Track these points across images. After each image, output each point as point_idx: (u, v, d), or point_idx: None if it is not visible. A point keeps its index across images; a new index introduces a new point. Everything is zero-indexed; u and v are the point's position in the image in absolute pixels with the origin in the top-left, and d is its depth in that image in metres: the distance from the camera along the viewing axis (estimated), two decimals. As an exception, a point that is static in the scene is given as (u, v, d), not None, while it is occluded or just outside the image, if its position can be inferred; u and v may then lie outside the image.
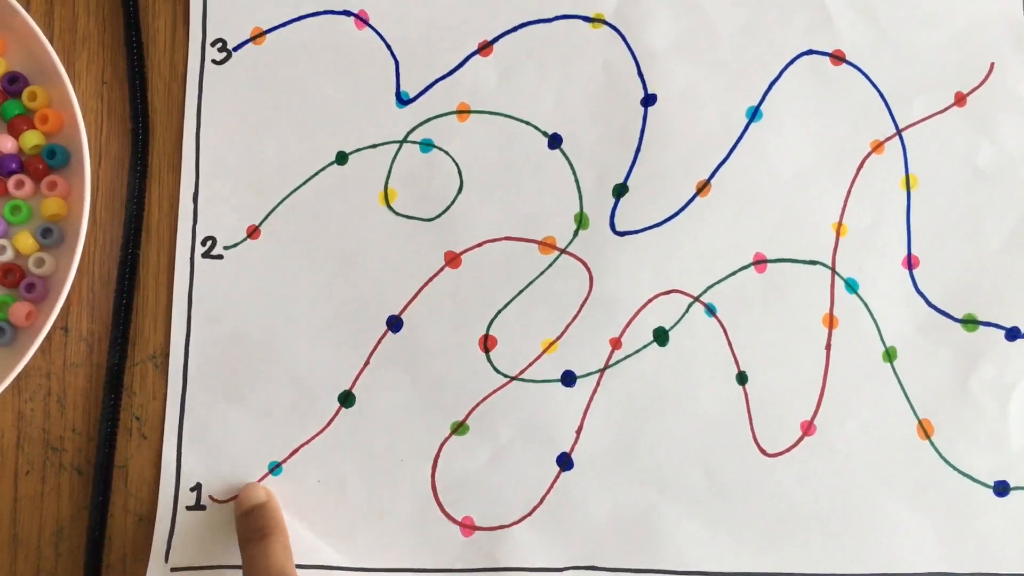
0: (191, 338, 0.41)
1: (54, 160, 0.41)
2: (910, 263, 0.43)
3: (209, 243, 0.42)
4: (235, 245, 0.42)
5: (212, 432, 0.41)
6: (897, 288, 0.43)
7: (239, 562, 0.39)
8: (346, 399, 0.42)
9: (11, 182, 0.41)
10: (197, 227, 0.42)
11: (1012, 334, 0.43)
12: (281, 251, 0.42)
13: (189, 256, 0.42)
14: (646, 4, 0.44)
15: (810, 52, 0.44)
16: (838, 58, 0.44)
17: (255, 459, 0.41)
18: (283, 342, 0.41)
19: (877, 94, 0.44)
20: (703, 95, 0.44)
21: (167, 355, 0.41)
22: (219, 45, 0.43)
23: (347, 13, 0.44)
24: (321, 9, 0.43)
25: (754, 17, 0.44)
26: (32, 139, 0.41)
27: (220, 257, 0.42)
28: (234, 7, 0.43)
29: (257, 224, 0.42)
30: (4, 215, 0.40)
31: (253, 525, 0.38)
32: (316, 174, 0.43)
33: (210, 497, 0.40)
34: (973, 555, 0.41)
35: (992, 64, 0.44)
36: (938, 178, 0.44)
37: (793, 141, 0.44)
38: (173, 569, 0.39)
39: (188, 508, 0.40)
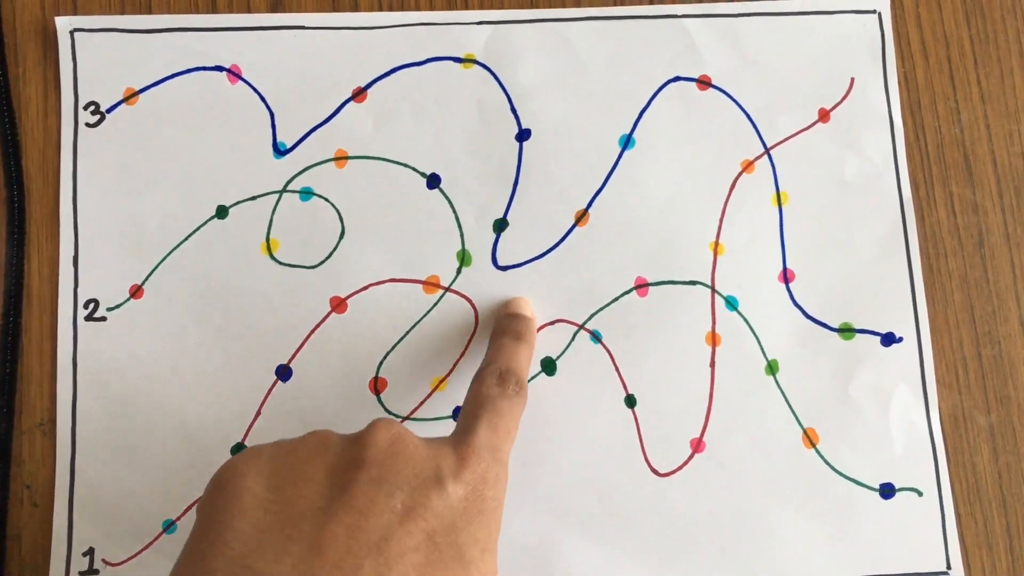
0: (77, 402, 0.41)
1: (-72, 234, 0.41)
2: (786, 277, 0.44)
3: (92, 306, 0.42)
4: (118, 306, 0.41)
5: (104, 495, 0.40)
6: (775, 302, 0.44)
7: (136, 624, 0.39)
8: (238, 451, 0.42)
9: None
10: (79, 290, 0.41)
11: (887, 340, 0.44)
12: (165, 309, 0.41)
13: (72, 320, 0.41)
14: (515, 42, 0.45)
15: (677, 79, 0.45)
16: (704, 83, 0.45)
17: (149, 519, 0.40)
18: (173, 399, 0.41)
19: (744, 115, 0.45)
20: (576, 127, 0.44)
21: (54, 421, 0.40)
22: (92, 108, 0.43)
23: (219, 68, 0.44)
24: (193, 66, 0.44)
25: (621, 48, 0.44)
26: (-96, 214, 0.41)
27: (103, 319, 0.42)
28: (105, 70, 0.43)
29: (140, 284, 0.42)
30: None
31: (514, 326, 0.39)
32: (197, 229, 0.43)
33: (103, 560, 0.39)
34: (862, 558, 0.42)
35: (852, 80, 0.46)
36: (808, 193, 0.45)
37: (666, 166, 0.45)
38: (67, 637, 0.39)
39: (81, 573, 0.40)
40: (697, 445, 0.42)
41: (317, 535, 0.28)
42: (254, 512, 0.29)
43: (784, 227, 0.44)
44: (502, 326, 0.39)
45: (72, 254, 0.41)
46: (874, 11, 0.45)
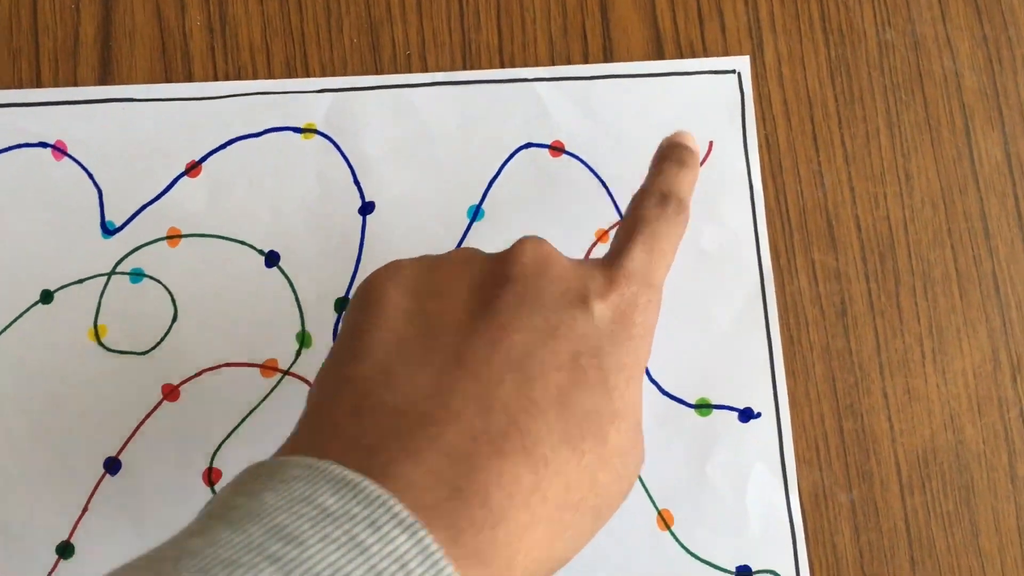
0: None
1: None
2: (642, 351, 0.44)
3: (-93, 400, 0.41)
4: (-64, 400, 0.41)
5: (-80, 601, 0.40)
6: None
7: None
8: (64, 550, 0.39)
9: None
10: None
11: (745, 415, 0.43)
12: (-15, 401, 0.41)
13: None
14: (357, 110, 0.43)
15: (529, 145, 0.43)
16: (557, 149, 0.44)
17: (-33, 625, 0.40)
18: (-6, 497, 0.40)
19: (599, 182, 0.43)
20: (422, 198, 0.42)
21: None
22: (-92, 190, 0.42)
23: (43, 145, 0.41)
24: (15, 143, 0.41)
25: (470, 114, 0.42)
26: None
27: (-80, 414, 0.41)
28: (-79, 148, 0.42)
29: (-41, 375, 0.41)
30: None
31: (678, 153, 0.36)
32: (20, 316, 0.40)
33: (-82, 672, 0.39)
34: (719, 643, 0.42)
35: (711, 143, 0.44)
36: (664, 263, 0.44)
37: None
38: None
39: None
40: (548, 530, 0.41)
41: (459, 347, 0.27)
42: (397, 322, 0.28)
43: (640, 299, 0.43)
44: (665, 153, 0.36)
45: None
46: (733, 71, 0.44)
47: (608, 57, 0.43)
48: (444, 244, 0.41)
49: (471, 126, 0.42)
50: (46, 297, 0.40)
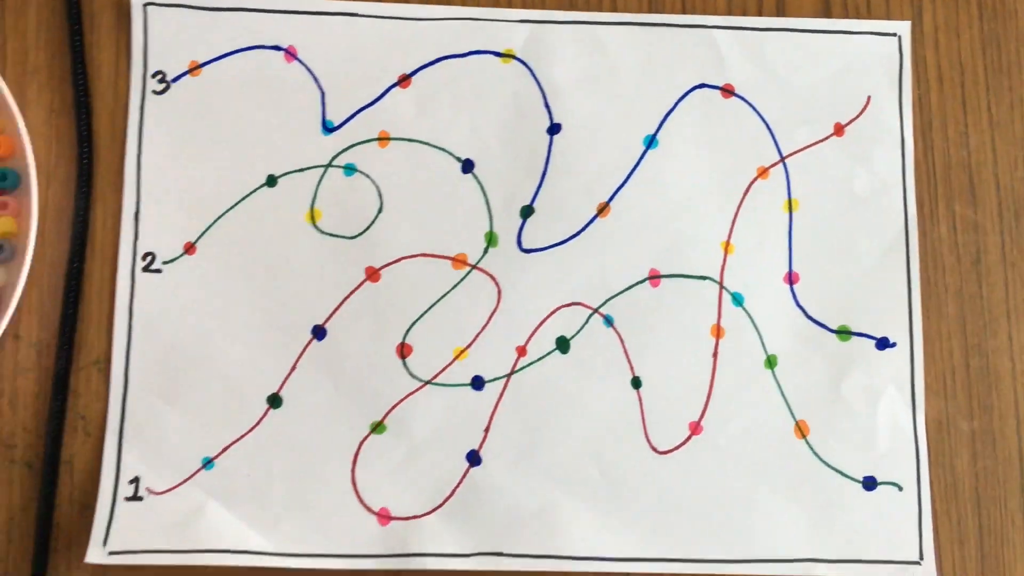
0: (131, 345, 0.45)
1: (5, 182, 0.44)
2: (791, 279, 0.48)
3: (149, 258, 0.46)
4: (173, 260, 0.45)
5: (150, 430, 0.44)
6: (779, 301, 0.47)
7: (173, 547, 0.43)
8: (274, 401, 0.45)
9: (-34, 203, 0.45)
10: (138, 243, 0.45)
11: (882, 344, 0.47)
12: (215, 266, 0.45)
13: (130, 270, 0.45)
14: (552, 41, 0.48)
15: (702, 86, 0.48)
16: (728, 91, 0.49)
17: (189, 455, 0.44)
18: (216, 349, 0.45)
19: (763, 125, 0.48)
20: (604, 125, 0.47)
21: (109, 360, 0.44)
22: (159, 77, 0.47)
23: (277, 48, 0.48)
24: (253, 44, 0.47)
25: (652, 53, 0.47)
26: (-15, 163, 0.45)
27: (159, 271, 0.46)
28: (173, 42, 0.46)
29: (193, 241, 0.46)
30: (-41, 233, 0.45)
31: None
32: (248, 195, 0.46)
33: (147, 489, 0.44)
34: (842, 544, 0.45)
35: (869, 98, 0.49)
36: (817, 202, 0.48)
37: (686, 167, 0.48)
38: (111, 552, 0.43)
39: (127, 499, 0.44)
40: (695, 428, 0.45)
41: None
42: None
43: (792, 232, 0.47)
44: None
45: (134, 210, 0.45)
46: (894, 35, 0.48)
47: (780, 12, 0.48)
48: (620, 166, 0.46)
49: (652, 64, 0.47)
50: (271, 181, 0.46)
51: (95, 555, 0.42)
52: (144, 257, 0.45)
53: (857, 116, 0.47)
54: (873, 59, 0.48)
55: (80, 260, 0.44)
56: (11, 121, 0.43)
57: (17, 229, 0.43)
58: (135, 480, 0.43)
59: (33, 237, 0.42)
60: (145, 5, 0.46)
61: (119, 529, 0.42)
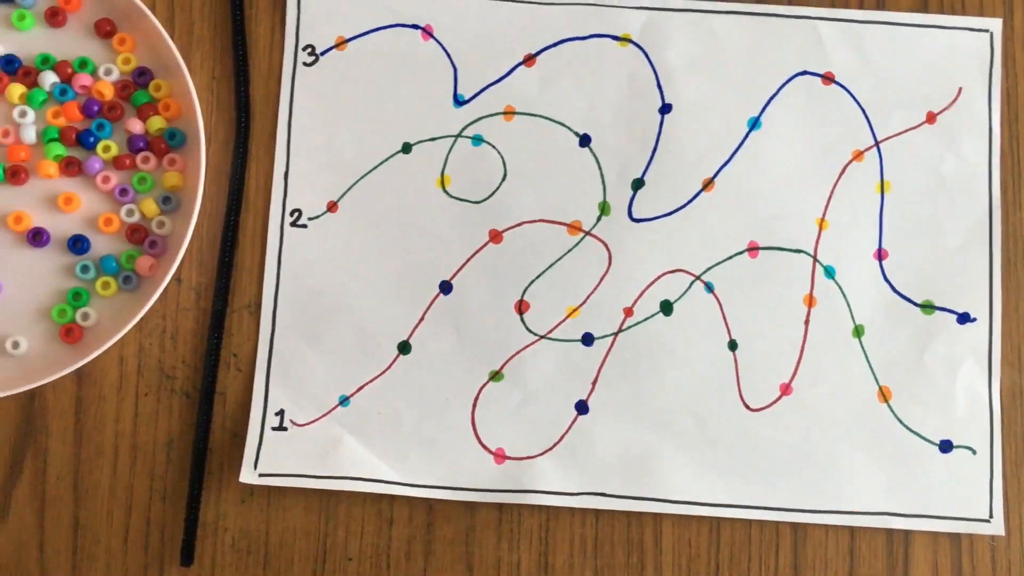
0: (279, 292, 0.50)
1: (174, 141, 0.49)
2: (880, 255, 0.51)
3: (296, 214, 0.51)
4: (317, 217, 0.50)
5: (294, 369, 0.49)
6: (868, 275, 0.50)
7: (313, 472, 0.48)
8: (403, 348, 0.50)
9: (139, 158, 0.49)
10: (287, 201, 0.50)
11: (963, 319, 0.50)
12: (354, 223, 0.50)
13: (280, 224, 0.50)
14: (666, 27, 0.52)
15: (804, 73, 0.52)
16: (828, 79, 0.52)
17: (328, 392, 0.49)
18: (353, 298, 0.50)
19: (860, 111, 0.52)
20: (712, 106, 0.51)
21: (259, 305, 0.49)
22: (309, 50, 0.52)
23: (415, 27, 0.52)
24: (394, 22, 0.51)
25: (758, 41, 0.51)
26: (156, 123, 0.49)
27: (305, 226, 0.51)
28: (323, 19, 0.51)
29: (335, 200, 0.51)
30: (133, 184, 0.49)
31: None
32: (385, 161, 0.51)
33: (291, 420, 0.49)
34: (918, 501, 0.49)
35: (960, 89, 0.52)
36: (908, 184, 0.51)
37: (787, 148, 0.51)
38: (260, 475, 0.48)
39: (273, 429, 0.49)
40: (786, 389, 0.49)
41: None
42: None
43: (884, 211, 0.51)
44: None
45: (284, 170, 0.50)
46: (987, 30, 0.51)
47: (880, 6, 0.51)
48: (725, 145, 0.50)
49: (758, 50, 0.51)
50: (406, 148, 0.50)
51: (247, 476, 0.47)
52: (292, 213, 0.49)
53: (949, 105, 0.50)
54: (966, 53, 0.51)
55: (236, 214, 0.49)
56: (180, 86, 0.48)
57: (182, 184, 0.49)
58: (280, 412, 0.48)
59: (201, 192, 0.47)
60: (299, -16, 0.50)
61: (267, 455, 0.47)
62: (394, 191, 0.50)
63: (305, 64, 0.50)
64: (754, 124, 0.50)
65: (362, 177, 0.50)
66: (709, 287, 0.49)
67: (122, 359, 0.48)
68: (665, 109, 0.50)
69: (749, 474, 0.48)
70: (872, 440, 0.49)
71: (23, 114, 0.48)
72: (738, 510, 0.48)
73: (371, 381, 0.48)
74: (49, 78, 0.48)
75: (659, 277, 0.49)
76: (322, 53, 0.50)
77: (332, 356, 0.49)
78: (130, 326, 0.46)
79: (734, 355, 0.49)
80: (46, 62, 0.48)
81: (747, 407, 0.49)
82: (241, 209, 0.49)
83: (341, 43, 0.50)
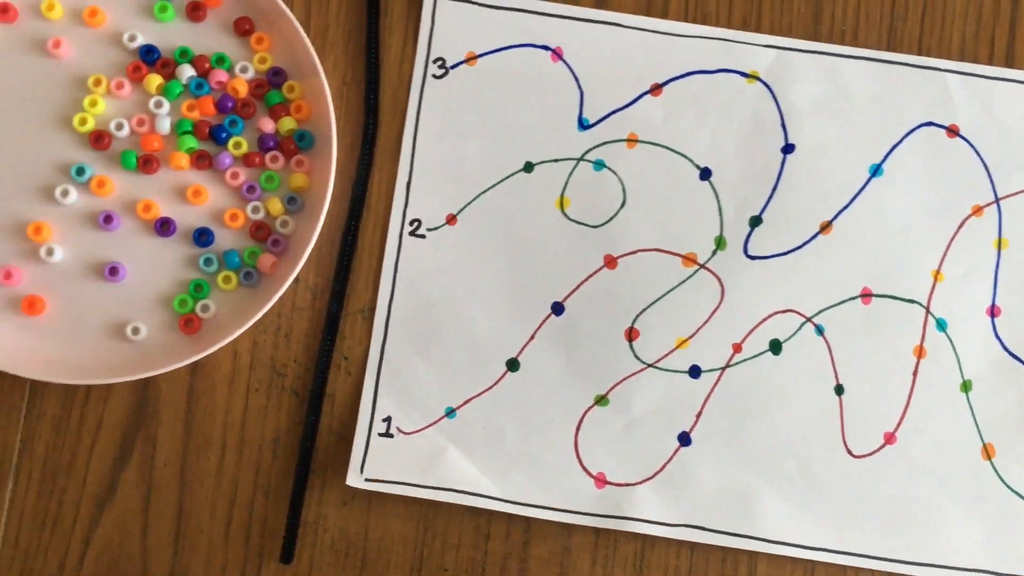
0: (394, 299, 0.50)
1: (303, 142, 0.49)
2: (993, 312, 0.51)
3: (415, 224, 0.51)
4: (436, 228, 0.51)
5: (403, 377, 0.50)
6: (979, 331, 0.50)
7: (417, 481, 0.49)
8: (512, 365, 0.50)
9: (268, 157, 0.49)
10: (407, 210, 0.51)
11: (1074, 382, 0.51)
12: (472, 238, 0.50)
13: (399, 232, 0.50)
14: (795, 66, 0.52)
15: (930, 124, 0.51)
16: (953, 131, 0.52)
17: (435, 403, 0.49)
18: (466, 312, 0.50)
19: (982, 166, 0.51)
20: (834, 149, 0.51)
21: (373, 310, 0.50)
22: (439, 63, 0.52)
23: (545, 48, 0.52)
24: (525, 42, 0.52)
25: (885, 88, 0.51)
26: (287, 124, 0.50)
27: (423, 236, 0.51)
28: (455, 33, 0.51)
29: (455, 213, 0.51)
30: (260, 183, 0.49)
31: None
32: (506, 178, 0.51)
33: (397, 428, 0.49)
34: (1015, 560, 0.49)
35: (1087, 151, 0.52)
36: (1027, 243, 0.52)
37: (906, 197, 0.51)
38: (367, 479, 0.49)
39: (380, 435, 0.49)
40: (890, 438, 0.49)
41: None
42: None
43: (1000, 268, 0.50)
44: None
45: (406, 180, 0.51)
46: (1118, 95, 0.51)
47: (1009, 62, 0.51)
48: (846, 189, 0.50)
49: (885, 98, 0.51)
50: (528, 167, 0.51)
51: (353, 479, 0.47)
52: (411, 223, 0.50)
53: (1074, 168, 0.50)
54: (1095, 116, 0.51)
55: (357, 219, 0.50)
56: (312, 88, 0.49)
57: (308, 185, 0.49)
58: (387, 419, 0.49)
59: (329, 195, 0.48)
60: (436, -2, 0.51)
61: (373, 460, 0.48)
62: (513, 209, 0.50)
63: (435, 76, 0.51)
64: (875, 171, 0.50)
65: (483, 192, 0.50)
66: (819, 329, 0.49)
67: (236, 353, 0.49)
68: (788, 149, 0.50)
69: (847, 520, 0.48)
70: (973, 496, 0.48)
71: (159, 105, 0.49)
72: (834, 555, 0.48)
73: (478, 395, 0.49)
74: (186, 71, 0.49)
75: (770, 316, 0.49)
76: (452, 67, 0.51)
77: (441, 367, 0.49)
78: (250, 323, 0.47)
79: (840, 400, 0.49)
80: (184, 55, 0.49)
81: (850, 453, 0.49)
82: (362, 215, 0.50)
83: (471, 58, 0.51)
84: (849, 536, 0.48)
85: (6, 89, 0.49)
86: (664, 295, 0.50)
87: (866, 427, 0.49)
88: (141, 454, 0.48)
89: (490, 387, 0.49)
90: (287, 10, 0.48)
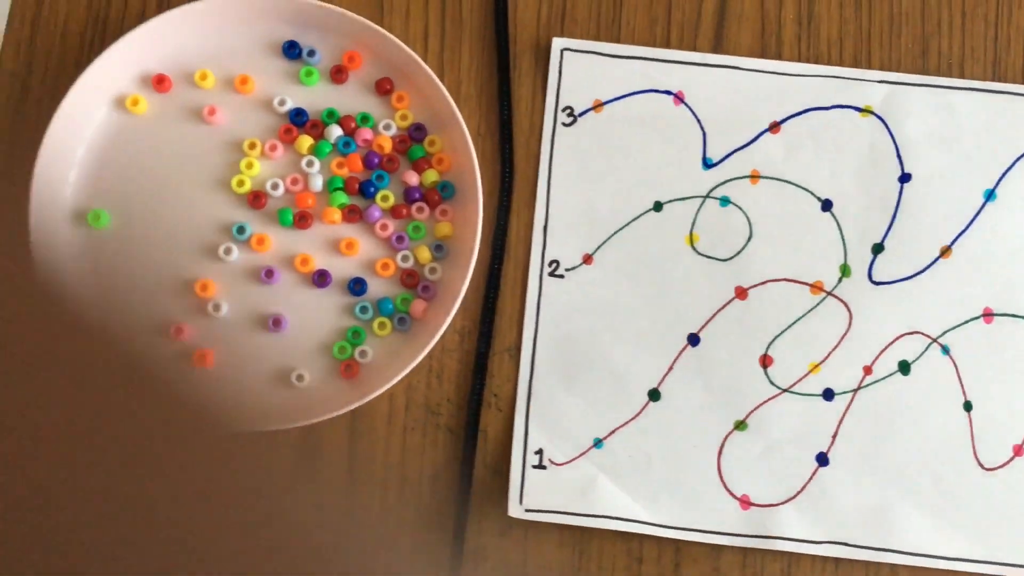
0: (538, 337, 0.52)
1: (445, 193, 0.52)
2: (1111, 325, 0.54)
3: (554, 265, 0.54)
4: (573, 268, 0.53)
5: (550, 410, 0.52)
6: None
7: (572, 509, 0.51)
8: (653, 395, 0.53)
9: (414, 208, 0.52)
10: (546, 252, 0.53)
11: None
12: (608, 276, 0.53)
13: (539, 274, 0.53)
14: (907, 99, 0.54)
15: (1040, 148, 0.55)
16: (1063, 154, 0.55)
17: (583, 434, 0.52)
18: (607, 346, 0.52)
19: (1094, 186, 0.55)
20: (949, 177, 0.53)
21: (519, 348, 0.52)
22: (568, 111, 0.55)
23: (667, 92, 0.55)
24: (647, 88, 0.54)
25: (995, 117, 0.53)
26: (431, 176, 0.53)
27: (562, 276, 0.54)
28: (582, 83, 0.54)
29: (591, 253, 0.53)
30: (408, 232, 0.52)
31: None
32: (637, 217, 0.54)
33: (549, 460, 0.52)
34: None
35: None
36: None
37: (1021, 219, 0.54)
38: (527, 510, 0.51)
39: (533, 467, 0.52)
40: (1019, 450, 0.51)
41: None
42: None
43: (1116, 284, 0.53)
44: None
45: (543, 223, 0.53)
46: None
47: (1112, 87, 0.54)
48: (962, 215, 0.53)
49: (994, 125, 0.53)
50: (657, 207, 0.53)
51: (514, 510, 0.50)
52: (550, 264, 0.53)
53: None
54: None
55: (499, 262, 0.52)
56: (451, 141, 0.52)
57: (453, 233, 0.52)
58: (539, 451, 0.51)
59: (478, 242, 0.50)
60: (563, 50, 0.54)
61: (530, 491, 0.50)
62: (646, 246, 0.53)
63: (564, 124, 0.54)
64: (989, 196, 0.53)
65: (616, 232, 0.53)
66: (945, 349, 0.52)
67: (391, 395, 0.51)
68: (904, 178, 0.53)
69: (985, 531, 0.50)
70: (1103, 504, 0.51)
71: (310, 164, 0.52)
72: (974, 564, 0.50)
73: (623, 425, 0.51)
74: (335, 131, 0.52)
75: (897, 338, 0.52)
76: (580, 114, 0.54)
77: (586, 399, 0.52)
78: (409, 368, 0.49)
79: (969, 416, 0.51)
80: (331, 116, 0.52)
81: (981, 466, 0.51)
82: (504, 259, 0.53)
83: (598, 106, 0.54)
84: (989, 546, 0.50)
85: (167, 156, 0.52)
86: (795, 322, 0.52)
87: (996, 441, 0.51)
88: (308, 494, 0.51)
89: (634, 417, 0.51)
90: (428, 69, 0.51)
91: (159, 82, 0.52)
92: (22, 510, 0.21)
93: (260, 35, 0.53)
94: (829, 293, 0.52)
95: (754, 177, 0.53)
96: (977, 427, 0.51)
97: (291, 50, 0.53)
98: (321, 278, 0.51)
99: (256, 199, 0.51)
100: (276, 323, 0.51)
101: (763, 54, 0.54)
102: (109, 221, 0.51)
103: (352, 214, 0.52)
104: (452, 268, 0.51)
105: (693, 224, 0.53)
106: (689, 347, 0.52)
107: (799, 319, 0.52)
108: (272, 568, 0.23)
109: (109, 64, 0.51)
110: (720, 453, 0.51)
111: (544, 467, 0.51)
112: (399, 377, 0.49)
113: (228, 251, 0.51)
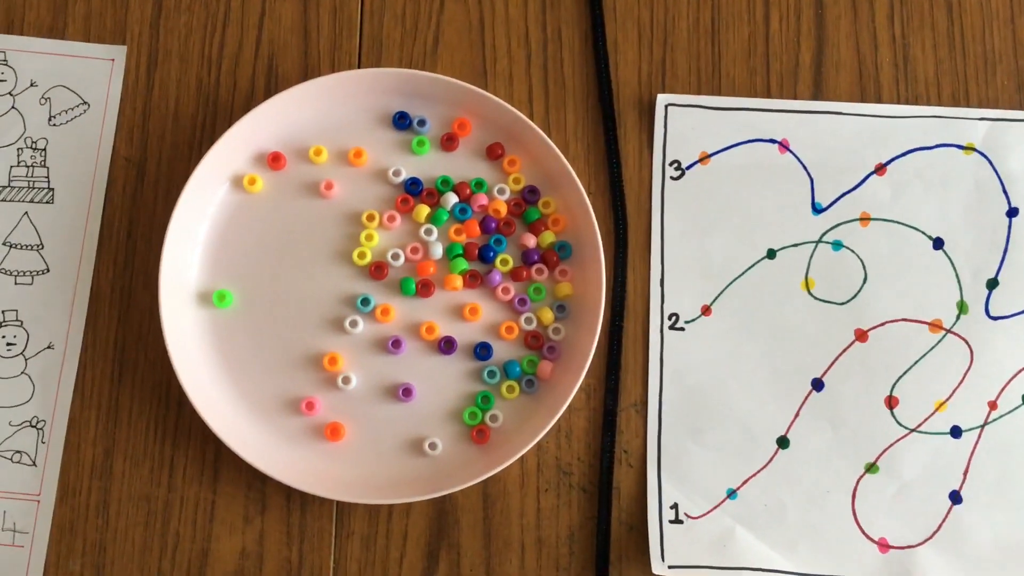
0: (663, 391, 0.53)
1: (563, 253, 0.53)
2: None
3: (673, 318, 0.54)
4: (693, 320, 0.54)
5: (681, 463, 0.52)
6: None
7: (714, 563, 0.51)
8: (782, 442, 0.53)
9: (533, 269, 0.52)
10: (664, 305, 0.54)
11: None
12: (728, 326, 0.53)
13: (660, 328, 0.54)
14: (1008, 135, 0.55)
15: None
16: None
17: (716, 486, 0.52)
18: (732, 396, 0.53)
19: None
20: (1056, 209, 0.55)
21: (645, 403, 0.53)
22: (675, 165, 0.56)
23: (772, 141, 0.56)
24: (752, 138, 0.55)
25: None
26: (548, 237, 0.53)
27: (682, 329, 0.54)
28: (687, 136, 0.55)
29: (709, 304, 0.54)
30: (529, 294, 0.53)
31: None
32: (752, 266, 0.55)
33: (685, 514, 0.52)
34: None
35: None
36: None
37: None
38: (669, 567, 0.51)
39: (670, 522, 0.52)
40: None
41: None
42: None
43: None
44: None
45: (660, 277, 0.54)
46: None
47: None
48: (1073, 246, 0.53)
49: (1097, 156, 0.54)
50: (771, 254, 0.54)
51: (657, 568, 0.50)
52: (670, 317, 0.53)
53: None
54: None
55: (620, 319, 0.53)
56: (565, 201, 0.52)
57: (573, 292, 0.52)
58: (675, 506, 0.51)
59: (603, 301, 0.51)
60: (667, 106, 0.55)
61: (670, 546, 0.50)
62: (762, 294, 0.53)
63: (672, 178, 0.54)
64: (1099, 225, 0.53)
65: (732, 282, 0.53)
66: (1068, 380, 0.52)
67: (523, 458, 0.52)
68: (1012, 212, 0.54)
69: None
70: None
71: (429, 232, 0.53)
72: (1115, 596, 0.50)
73: (755, 474, 0.51)
74: (451, 199, 0.53)
75: (1020, 371, 0.52)
76: (687, 167, 0.55)
77: (716, 451, 0.52)
78: (545, 431, 0.49)
79: (1097, 446, 0.51)
80: (445, 183, 0.53)
81: (1114, 496, 0.51)
82: (623, 314, 0.53)
83: (704, 158, 0.55)
84: None
85: (287, 231, 0.53)
86: (917, 361, 0.52)
87: None
88: (447, 563, 0.51)
89: (765, 465, 0.52)
90: (539, 130, 0.52)
91: (275, 160, 0.53)
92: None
93: (370, 108, 0.54)
94: (948, 331, 0.53)
95: (864, 219, 0.54)
96: (1107, 457, 0.51)
97: (401, 121, 0.53)
98: (447, 345, 0.51)
99: (378, 270, 0.52)
100: (406, 392, 0.51)
101: (863, 98, 0.55)
102: (233, 300, 0.52)
103: (473, 279, 0.52)
104: (575, 327, 0.52)
105: (808, 269, 0.54)
106: (814, 392, 0.52)
107: (921, 358, 0.52)
108: None
109: (227, 145, 0.52)
110: (854, 497, 0.51)
111: (681, 521, 0.51)
112: (534, 442, 0.49)
113: (354, 323, 0.52)
